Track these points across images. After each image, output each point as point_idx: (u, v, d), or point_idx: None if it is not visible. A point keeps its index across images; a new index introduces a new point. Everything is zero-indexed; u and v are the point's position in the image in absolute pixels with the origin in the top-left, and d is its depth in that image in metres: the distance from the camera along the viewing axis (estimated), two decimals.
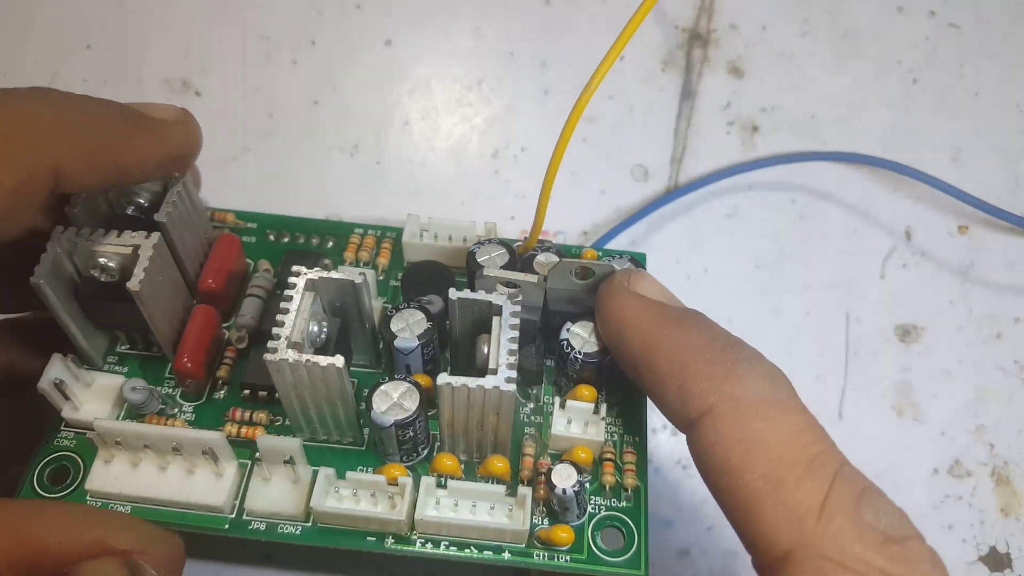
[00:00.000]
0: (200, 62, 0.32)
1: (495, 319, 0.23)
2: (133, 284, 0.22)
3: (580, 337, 0.24)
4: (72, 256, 0.23)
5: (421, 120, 0.32)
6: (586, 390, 0.24)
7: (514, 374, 0.21)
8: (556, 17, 0.32)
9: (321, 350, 0.23)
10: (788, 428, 0.19)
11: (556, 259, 0.25)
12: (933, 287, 0.31)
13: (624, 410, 0.26)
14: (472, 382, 0.21)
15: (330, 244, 0.28)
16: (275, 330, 0.21)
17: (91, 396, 0.24)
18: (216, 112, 0.32)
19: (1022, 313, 0.31)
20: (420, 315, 0.24)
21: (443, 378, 0.21)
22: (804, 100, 0.31)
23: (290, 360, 0.21)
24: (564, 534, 0.23)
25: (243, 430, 0.25)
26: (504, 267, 0.25)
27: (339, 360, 0.21)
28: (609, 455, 0.25)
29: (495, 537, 0.23)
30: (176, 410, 0.25)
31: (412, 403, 0.23)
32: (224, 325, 0.27)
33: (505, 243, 0.25)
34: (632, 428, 0.25)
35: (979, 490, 0.30)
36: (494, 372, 0.21)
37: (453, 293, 0.22)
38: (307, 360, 0.21)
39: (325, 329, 0.23)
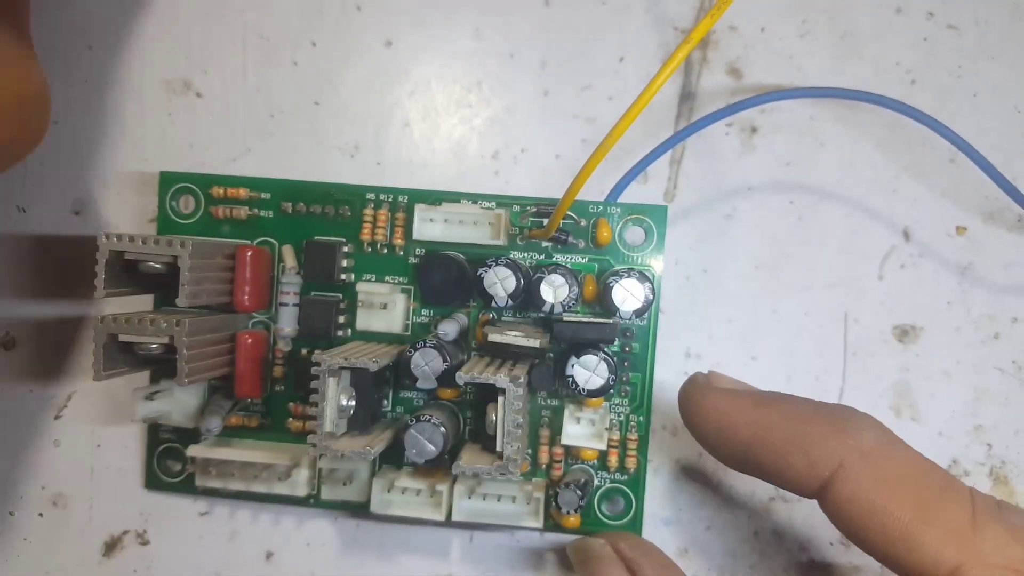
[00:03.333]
0: (201, 63, 0.32)
1: (500, 399, 0.25)
2: (180, 380, 0.26)
3: (584, 373, 0.27)
4: (118, 337, 0.26)
5: (421, 121, 0.32)
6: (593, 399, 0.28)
7: (519, 459, 0.25)
8: (556, 18, 0.32)
9: (353, 417, 0.27)
10: (912, 462, 0.22)
11: (562, 280, 0.27)
12: (931, 288, 0.31)
13: (632, 392, 0.29)
14: (483, 470, 0.25)
15: (348, 213, 0.30)
16: (311, 423, 0.26)
17: (177, 403, 0.29)
18: (217, 113, 0.32)
19: (1020, 314, 0.31)
20: (435, 355, 0.27)
21: (457, 467, 0.25)
22: (803, 101, 0.31)
23: (329, 452, 0.26)
24: (573, 519, 0.28)
25: (307, 424, 0.30)
26: (512, 294, 0.27)
27: (368, 453, 0.26)
28: (614, 443, 0.29)
29: (516, 520, 0.29)
30: (248, 401, 0.30)
31: (439, 439, 0.26)
32: (264, 316, 0.30)
33: (512, 265, 0.27)
34: (638, 409, 0.29)
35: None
36: (500, 457, 0.25)
37: (460, 377, 0.25)
38: (343, 454, 0.26)
39: (353, 397, 0.27)
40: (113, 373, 0.26)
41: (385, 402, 0.30)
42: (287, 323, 0.30)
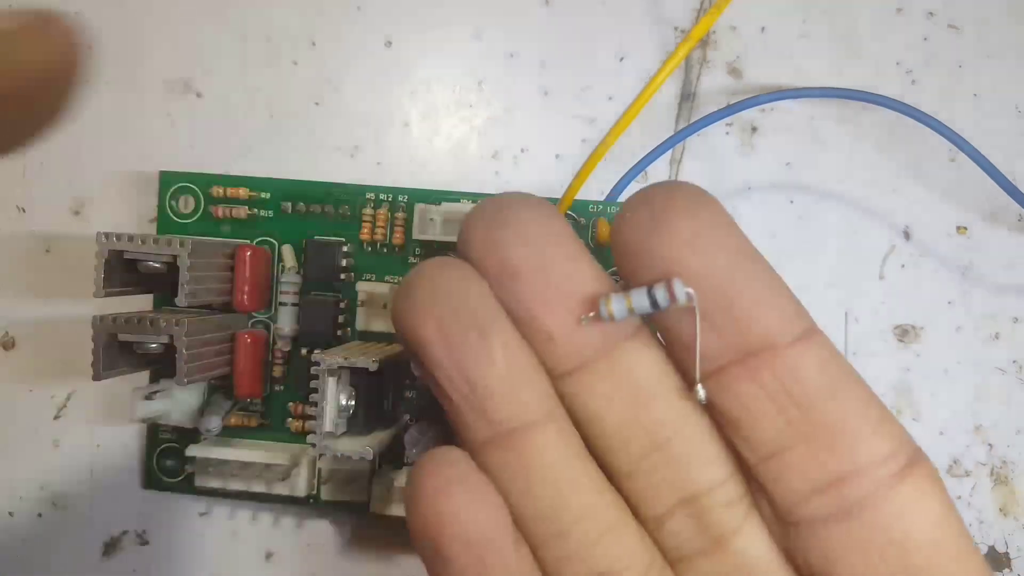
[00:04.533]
0: (201, 63, 0.32)
1: None
2: (180, 380, 0.26)
3: None
4: (118, 337, 0.26)
5: (421, 121, 0.32)
6: None
7: None
8: (556, 18, 0.32)
9: (353, 417, 0.27)
10: None
11: None
12: (932, 287, 0.31)
13: None
14: None
15: (348, 213, 0.30)
16: (311, 423, 0.26)
17: (176, 403, 0.29)
18: (217, 113, 0.32)
19: (1021, 313, 0.31)
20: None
21: None
22: (803, 101, 0.31)
23: (329, 452, 0.26)
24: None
25: (307, 424, 0.29)
26: None
27: (368, 453, 0.26)
28: None
29: None
30: (248, 401, 0.30)
31: (440, 439, 0.27)
32: (264, 316, 0.30)
33: None
34: None
35: (978, 490, 0.30)
36: None
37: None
38: (342, 454, 0.26)
39: (353, 397, 0.27)
40: (113, 373, 0.26)
41: (385, 402, 0.30)
42: (287, 323, 0.29)
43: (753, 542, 0.17)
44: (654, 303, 0.16)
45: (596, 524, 0.17)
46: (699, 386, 0.17)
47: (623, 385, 0.17)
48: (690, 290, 0.16)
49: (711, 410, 0.17)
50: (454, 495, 0.17)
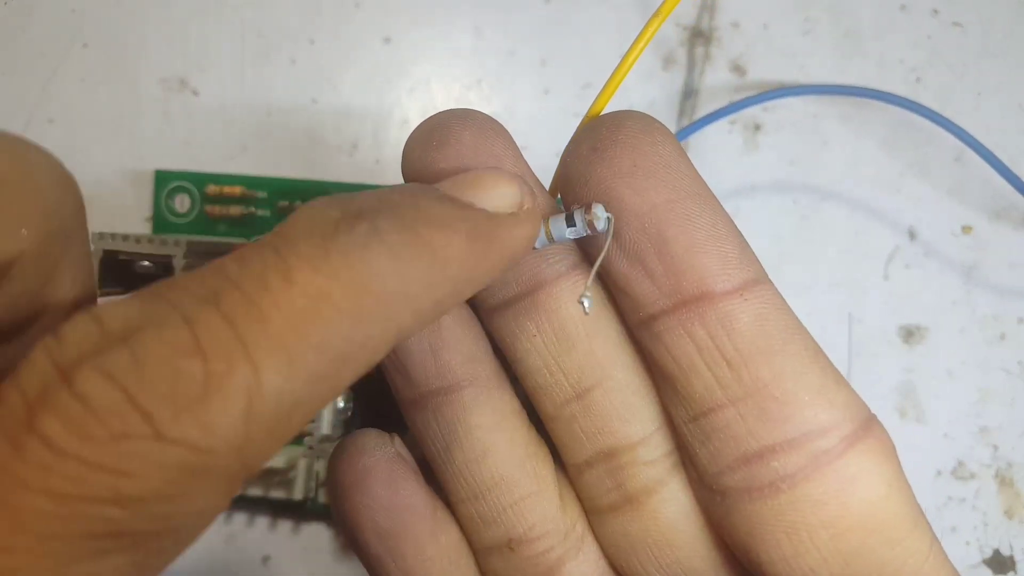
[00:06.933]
0: (198, 61, 0.32)
1: None
2: None
3: None
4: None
5: (420, 119, 0.32)
6: None
7: None
8: (556, 15, 0.32)
9: (349, 419, 0.27)
10: None
11: None
12: (936, 288, 0.31)
13: None
14: None
15: None
16: (309, 426, 0.25)
17: None
18: (214, 111, 0.32)
19: None
20: None
21: None
22: (806, 99, 0.31)
23: (326, 455, 0.26)
24: None
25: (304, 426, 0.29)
26: None
27: None
28: None
29: None
30: None
31: None
32: None
33: None
34: None
35: (982, 492, 0.30)
36: None
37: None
38: None
39: (350, 398, 0.26)
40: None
41: (383, 405, 0.29)
42: None
43: (670, 504, 0.16)
44: (571, 223, 0.15)
45: (511, 491, 0.16)
46: (584, 296, 0.15)
47: (547, 325, 0.16)
48: (610, 215, 0.15)
49: (647, 361, 0.16)
50: (366, 486, 0.17)
